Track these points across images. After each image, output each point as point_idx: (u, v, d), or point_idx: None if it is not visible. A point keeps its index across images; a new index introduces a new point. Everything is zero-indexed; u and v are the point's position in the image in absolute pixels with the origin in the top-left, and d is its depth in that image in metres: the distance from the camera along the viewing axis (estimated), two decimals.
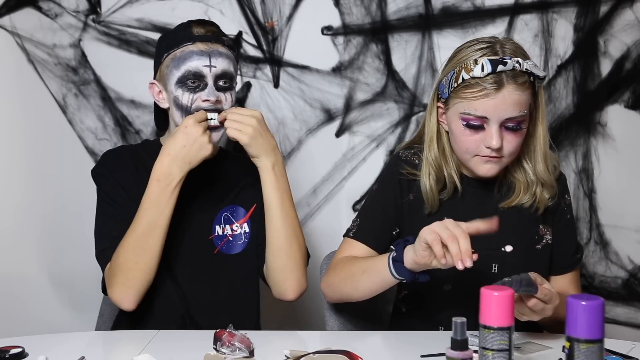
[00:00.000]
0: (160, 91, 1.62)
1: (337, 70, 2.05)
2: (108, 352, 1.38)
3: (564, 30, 2.04)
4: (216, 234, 1.64)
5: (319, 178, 2.09)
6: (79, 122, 2.05)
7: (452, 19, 2.03)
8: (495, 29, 2.03)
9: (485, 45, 1.49)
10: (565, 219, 1.62)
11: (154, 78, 1.65)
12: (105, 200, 1.60)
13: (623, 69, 2.06)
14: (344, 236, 1.65)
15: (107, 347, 1.40)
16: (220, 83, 1.57)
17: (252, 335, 1.37)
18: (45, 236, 2.04)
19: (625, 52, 2.05)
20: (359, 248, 1.59)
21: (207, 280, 1.62)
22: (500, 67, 1.43)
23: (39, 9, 2.01)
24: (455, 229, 1.31)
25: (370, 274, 1.48)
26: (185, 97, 1.56)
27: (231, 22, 2.01)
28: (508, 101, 1.44)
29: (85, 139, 2.05)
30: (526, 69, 1.46)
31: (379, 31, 2.04)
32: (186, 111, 1.56)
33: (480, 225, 1.33)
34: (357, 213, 1.67)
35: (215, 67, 1.56)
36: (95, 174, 1.63)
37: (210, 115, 1.56)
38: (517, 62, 1.45)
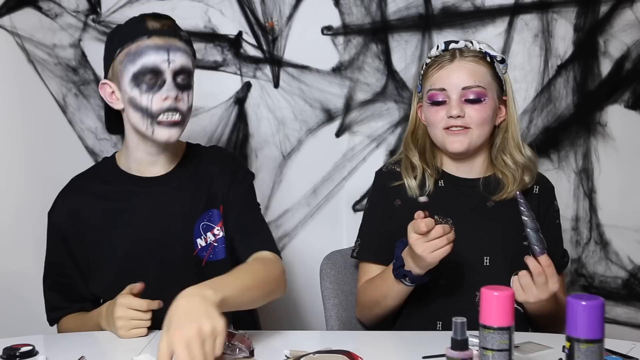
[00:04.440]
0: (112, 92, 1.50)
1: (337, 70, 2.05)
2: (108, 352, 1.38)
3: (564, 30, 2.04)
4: (199, 247, 1.56)
5: (319, 178, 2.09)
6: (79, 122, 2.05)
7: (452, 19, 2.03)
8: (495, 29, 2.03)
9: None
10: (554, 223, 1.66)
11: (105, 77, 1.52)
12: (50, 257, 1.60)
13: (623, 69, 2.06)
14: (351, 257, 1.69)
15: (107, 347, 1.40)
16: (179, 80, 1.47)
17: (252, 335, 1.37)
18: (45, 236, 2.03)
19: (625, 52, 2.06)
20: (371, 269, 1.63)
21: None
22: (452, 45, 1.58)
23: (39, 9, 2.01)
24: (429, 236, 1.39)
25: (393, 295, 1.55)
26: (144, 99, 1.45)
27: (231, 22, 2.01)
28: (462, 71, 1.55)
29: (85, 139, 2.05)
30: (480, 48, 1.57)
31: (379, 31, 2.04)
32: (147, 113, 1.46)
33: (421, 226, 1.38)
34: (357, 234, 1.70)
35: (174, 61, 1.46)
36: (48, 222, 1.59)
37: (170, 116, 1.46)
38: (470, 42, 1.58)
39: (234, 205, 1.58)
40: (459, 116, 1.53)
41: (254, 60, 2.04)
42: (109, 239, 1.54)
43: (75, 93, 2.04)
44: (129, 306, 1.40)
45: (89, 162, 2.02)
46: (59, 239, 1.57)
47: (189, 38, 1.54)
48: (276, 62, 2.04)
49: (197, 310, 1.17)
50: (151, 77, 1.45)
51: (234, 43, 2.02)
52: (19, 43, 2.01)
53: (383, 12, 2.03)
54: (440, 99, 1.56)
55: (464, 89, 1.54)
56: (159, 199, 1.56)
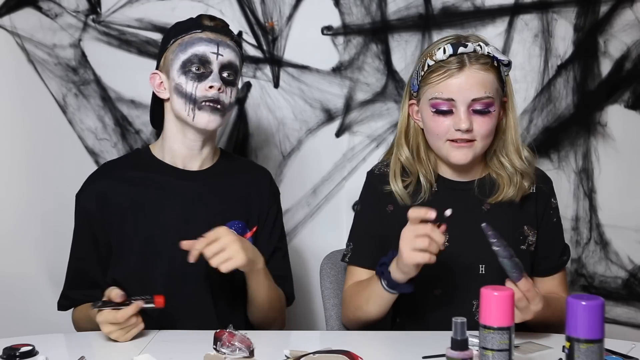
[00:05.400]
0: (161, 82, 1.58)
1: (337, 70, 2.05)
2: (108, 352, 1.38)
3: (564, 30, 2.04)
4: None
5: (319, 178, 2.09)
6: (79, 122, 2.05)
7: (452, 19, 2.03)
8: (495, 29, 2.03)
9: (449, 37, 1.54)
10: (552, 222, 1.62)
11: (156, 68, 1.62)
12: (75, 239, 1.62)
13: (623, 69, 2.06)
14: (341, 260, 1.65)
15: (107, 347, 1.40)
16: (224, 74, 1.55)
17: (252, 335, 1.37)
18: (45, 236, 2.04)
19: (625, 52, 2.06)
20: (359, 273, 1.60)
21: (208, 294, 1.59)
22: (461, 49, 1.47)
23: (39, 9, 2.01)
24: (417, 230, 1.35)
25: (374, 301, 1.50)
26: (190, 85, 1.53)
27: (231, 22, 1.98)
28: (472, 81, 1.47)
29: (85, 139, 2.05)
30: (488, 52, 1.49)
31: (379, 31, 2.04)
32: (190, 98, 1.53)
33: (414, 214, 1.36)
34: (348, 237, 1.66)
35: (222, 55, 1.54)
36: (76, 203, 1.61)
37: (213, 105, 1.53)
38: (479, 45, 1.49)
39: (269, 230, 1.66)
40: (467, 130, 1.47)
41: (254, 60, 2.04)
42: (135, 225, 1.56)
43: (75, 93, 2.04)
44: (109, 322, 1.38)
45: (89, 162, 2.03)
46: (84, 221, 1.60)
47: (239, 41, 1.63)
48: (276, 62, 2.04)
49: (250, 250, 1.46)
50: (199, 67, 1.53)
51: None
52: (19, 43, 2.01)
53: (383, 12, 2.03)
54: (445, 109, 1.48)
55: (473, 100, 1.47)
56: (191, 192, 1.59)
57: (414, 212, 1.36)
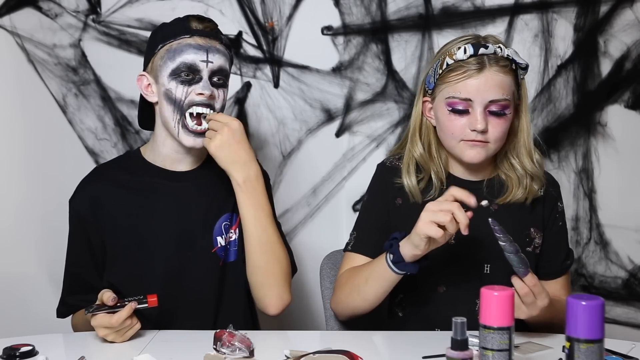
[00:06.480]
0: (149, 84, 1.56)
1: (337, 70, 2.05)
2: (108, 352, 1.38)
3: (564, 30, 2.04)
4: (219, 245, 1.59)
5: (319, 178, 2.09)
6: (79, 122, 2.05)
7: (452, 19, 2.03)
8: (495, 29, 2.03)
9: (469, 36, 1.54)
10: (557, 226, 1.62)
11: (144, 70, 1.59)
12: (70, 244, 1.61)
13: (623, 69, 2.06)
14: (344, 251, 1.64)
15: (106, 347, 1.40)
16: (215, 79, 1.53)
17: (252, 335, 1.37)
18: (45, 236, 2.04)
19: (625, 52, 2.06)
20: (359, 260, 1.58)
21: (212, 292, 1.59)
22: (482, 50, 1.47)
23: (39, 9, 2.01)
24: (442, 205, 1.35)
25: (374, 279, 1.48)
26: (179, 90, 1.51)
27: (231, 22, 2.01)
28: (490, 82, 1.47)
29: (85, 139, 2.05)
30: (507, 55, 1.49)
31: (379, 31, 2.04)
32: (179, 105, 1.51)
33: (456, 193, 1.36)
34: (353, 226, 1.65)
35: (212, 62, 1.52)
36: (69, 209, 1.59)
37: (202, 110, 1.51)
38: (499, 47, 1.49)
39: None
40: (482, 131, 1.47)
41: (254, 60, 2.04)
42: (130, 229, 1.56)
43: (75, 93, 2.04)
44: (104, 326, 1.39)
45: (89, 162, 2.03)
46: (78, 226, 1.59)
47: (229, 43, 1.60)
48: (276, 62, 2.05)
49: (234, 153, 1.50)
50: (188, 74, 1.51)
51: (234, 43, 2.02)
52: (19, 43, 2.01)
53: (383, 12, 2.03)
54: (462, 108, 1.48)
55: (490, 101, 1.47)
56: (183, 193, 1.59)
57: (455, 190, 1.37)
